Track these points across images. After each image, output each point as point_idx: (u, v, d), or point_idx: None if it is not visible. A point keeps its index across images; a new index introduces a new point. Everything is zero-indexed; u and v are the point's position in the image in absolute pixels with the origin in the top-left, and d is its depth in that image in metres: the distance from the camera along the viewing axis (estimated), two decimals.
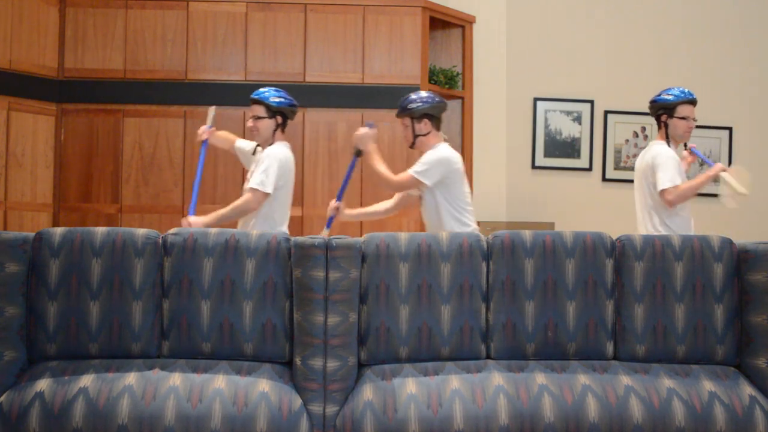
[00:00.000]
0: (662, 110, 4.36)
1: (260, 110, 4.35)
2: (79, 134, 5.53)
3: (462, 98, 6.06)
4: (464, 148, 6.03)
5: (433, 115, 4.28)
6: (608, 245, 2.79)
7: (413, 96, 4.32)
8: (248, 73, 5.60)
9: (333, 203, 4.43)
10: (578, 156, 6.25)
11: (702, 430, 2.57)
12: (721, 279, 2.76)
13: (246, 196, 4.17)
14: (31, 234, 2.73)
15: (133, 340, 2.66)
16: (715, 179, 4.43)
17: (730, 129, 6.41)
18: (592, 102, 6.29)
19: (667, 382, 2.65)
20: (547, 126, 6.29)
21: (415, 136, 4.30)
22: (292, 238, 2.74)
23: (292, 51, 5.62)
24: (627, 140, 6.31)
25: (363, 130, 4.25)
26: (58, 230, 2.73)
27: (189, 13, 5.59)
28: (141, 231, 2.74)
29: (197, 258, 2.69)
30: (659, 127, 4.40)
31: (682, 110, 4.33)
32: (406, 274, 2.70)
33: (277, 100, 4.33)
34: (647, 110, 6.43)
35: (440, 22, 5.97)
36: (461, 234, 2.79)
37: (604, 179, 6.20)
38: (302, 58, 5.62)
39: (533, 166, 6.27)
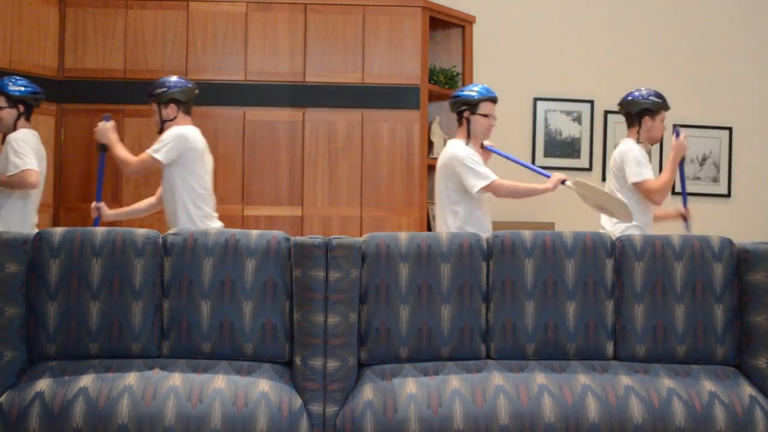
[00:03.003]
0: (465, 106, 4.31)
1: (0, 100, 4.31)
2: (79, 134, 5.52)
3: None
4: None
5: (180, 100, 4.34)
6: (608, 245, 2.79)
7: (161, 81, 4.38)
8: (248, 73, 5.60)
9: (94, 204, 4.47)
10: (578, 156, 6.25)
11: (702, 430, 2.57)
12: (721, 279, 2.77)
13: (15, 181, 4.11)
14: (31, 234, 2.73)
15: (133, 340, 2.66)
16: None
17: (730, 129, 6.41)
18: (592, 102, 6.29)
19: (667, 382, 2.65)
20: (547, 126, 6.29)
21: (163, 122, 4.35)
22: (292, 238, 2.74)
23: (292, 51, 5.62)
24: None
25: (101, 125, 4.38)
26: (58, 230, 2.73)
27: (189, 13, 5.59)
28: (141, 231, 2.74)
29: (197, 258, 2.69)
30: (459, 124, 4.35)
31: (485, 107, 4.30)
32: (406, 274, 2.70)
33: (16, 89, 4.30)
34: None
35: (440, 22, 5.97)
36: (461, 234, 2.79)
37: (603, 179, 6.19)
38: (302, 58, 5.62)
39: None
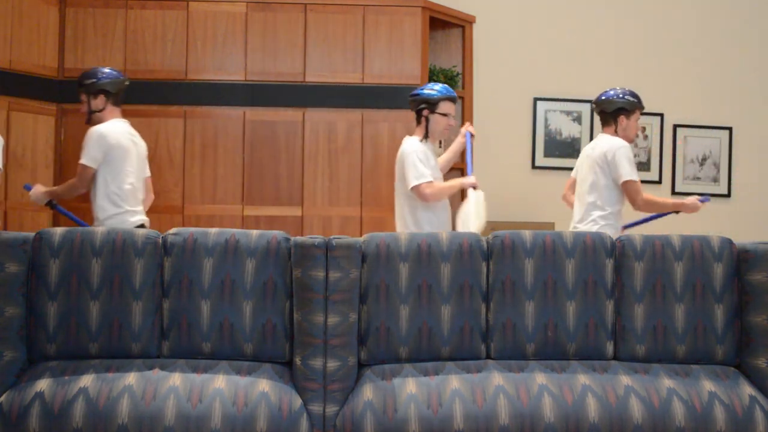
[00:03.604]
0: (424, 104, 4.29)
1: None
2: (79, 134, 5.48)
3: (462, 98, 6.06)
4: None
5: (109, 91, 4.36)
6: (608, 245, 2.79)
7: (92, 71, 4.40)
8: (248, 73, 5.60)
9: None
10: (578, 156, 6.24)
11: (702, 430, 2.57)
12: (721, 279, 2.77)
13: None
14: (31, 234, 2.73)
15: (133, 340, 2.66)
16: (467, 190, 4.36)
17: (730, 129, 6.41)
18: (591, 102, 6.29)
19: (667, 382, 2.65)
20: (547, 126, 6.29)
21: (91, 112, 4.38)
22: (292, 238, 2.74)
23: (292, 51, 5.62)
24: None
25: (30, 195, 4.43)
26: (58, 230, 2.73)
27: (189, 13, 5.59)
28: (141, 231, 2.75)
29: (197, 258, 2.69)
30: (418, 123, 4.33)
31: (444, 107, 4.28)
32: (406, 274, 2.70)
33: None
34: (648, 110, 6.43)
35: (440, 22, 5.97)
36: (461, 234, 2.79)
37: None
38: (302, 58, 5.62)
39: (533, 166, 6.27)
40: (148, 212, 4.65)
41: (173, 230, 2.79)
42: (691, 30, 6.42)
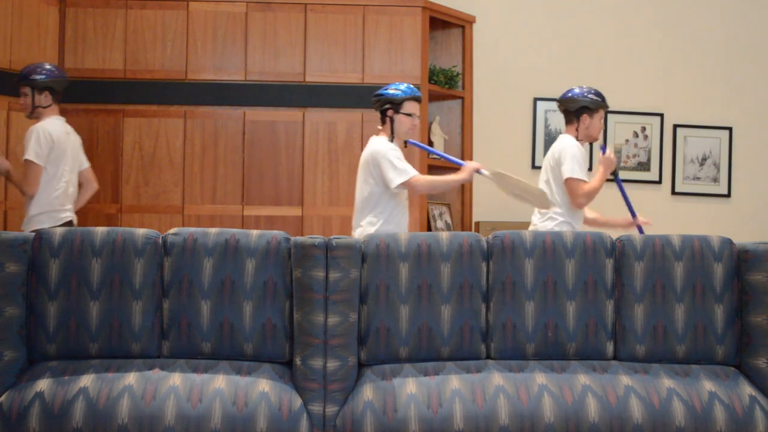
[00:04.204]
0: (388, 104, 4.25)
1: None
2: (79, 134, 5.52)
3: (462, 98, 6.06)
4: (464, 148, 6.03)
5: (54, 89, 4.46)
6: (608, 245, 2.79)
7: (37, 67, 4.47)
8: (248, 73, 5.60)
9: None
10: None
11: (702, 430, 2.57)
12: (721, 279, 2.77)
13: None
14: (31, 234, 2.73)
15: (133, 340, 2.67)
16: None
17: (730, 129, 6.41)
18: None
19: (667, 382, 2.65)
20: (547, 126, 6.29)
21: (34, 107, 4.47)
22: (292, 238, 2.74)
23: (292, 51, 5.62)
24: (627, 140, 6.31)
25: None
26: (58, 230, 2.73)
27: (189, 13, 5.59)
28: (141, 231, 2.74)
29: (197, 258, 2.69)
30: (383, 122, 4.30)
31: (409, 106, 4.25)
32: (406, 274, 2.70)
33: None
34: (648, 110, 6.44)
35: (440, 22, 5.97)
36: (461, 234, 2.79)
37: None
38: (302, 58, 5.62)
39: (533, 166, 6.27)
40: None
41: (173, 230, 2.79)
42: (691, 30, 6.42)
